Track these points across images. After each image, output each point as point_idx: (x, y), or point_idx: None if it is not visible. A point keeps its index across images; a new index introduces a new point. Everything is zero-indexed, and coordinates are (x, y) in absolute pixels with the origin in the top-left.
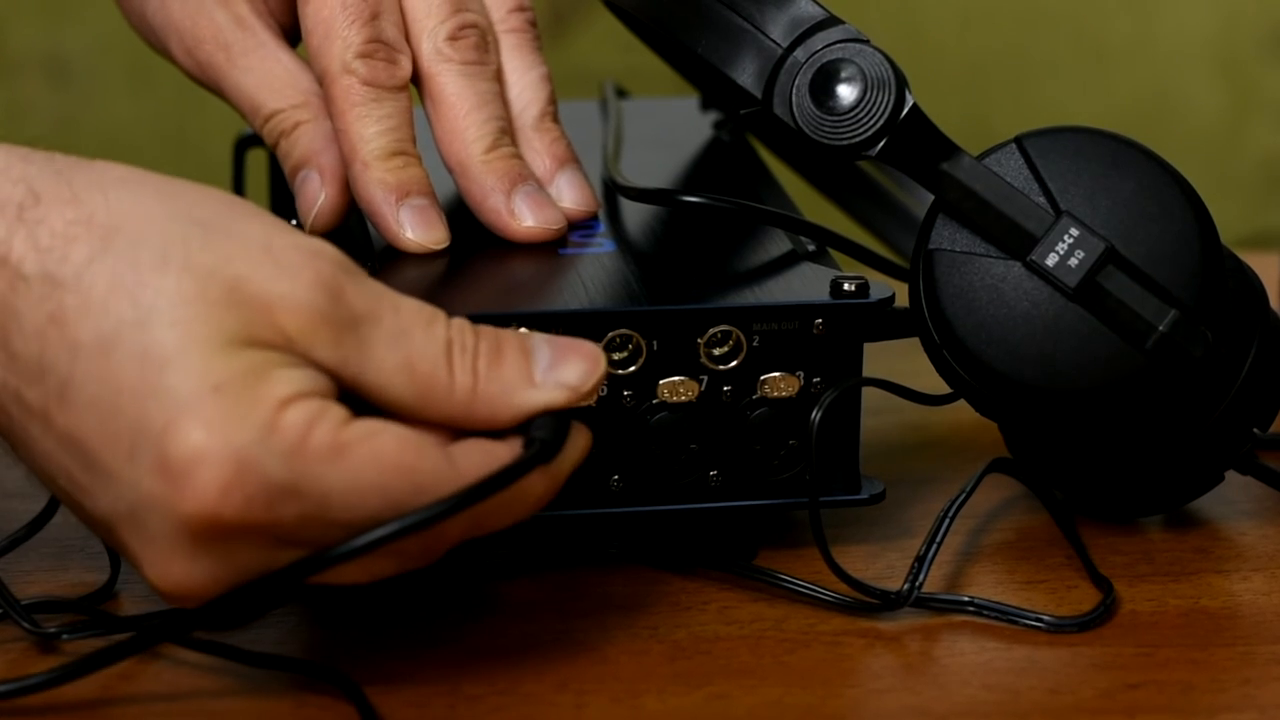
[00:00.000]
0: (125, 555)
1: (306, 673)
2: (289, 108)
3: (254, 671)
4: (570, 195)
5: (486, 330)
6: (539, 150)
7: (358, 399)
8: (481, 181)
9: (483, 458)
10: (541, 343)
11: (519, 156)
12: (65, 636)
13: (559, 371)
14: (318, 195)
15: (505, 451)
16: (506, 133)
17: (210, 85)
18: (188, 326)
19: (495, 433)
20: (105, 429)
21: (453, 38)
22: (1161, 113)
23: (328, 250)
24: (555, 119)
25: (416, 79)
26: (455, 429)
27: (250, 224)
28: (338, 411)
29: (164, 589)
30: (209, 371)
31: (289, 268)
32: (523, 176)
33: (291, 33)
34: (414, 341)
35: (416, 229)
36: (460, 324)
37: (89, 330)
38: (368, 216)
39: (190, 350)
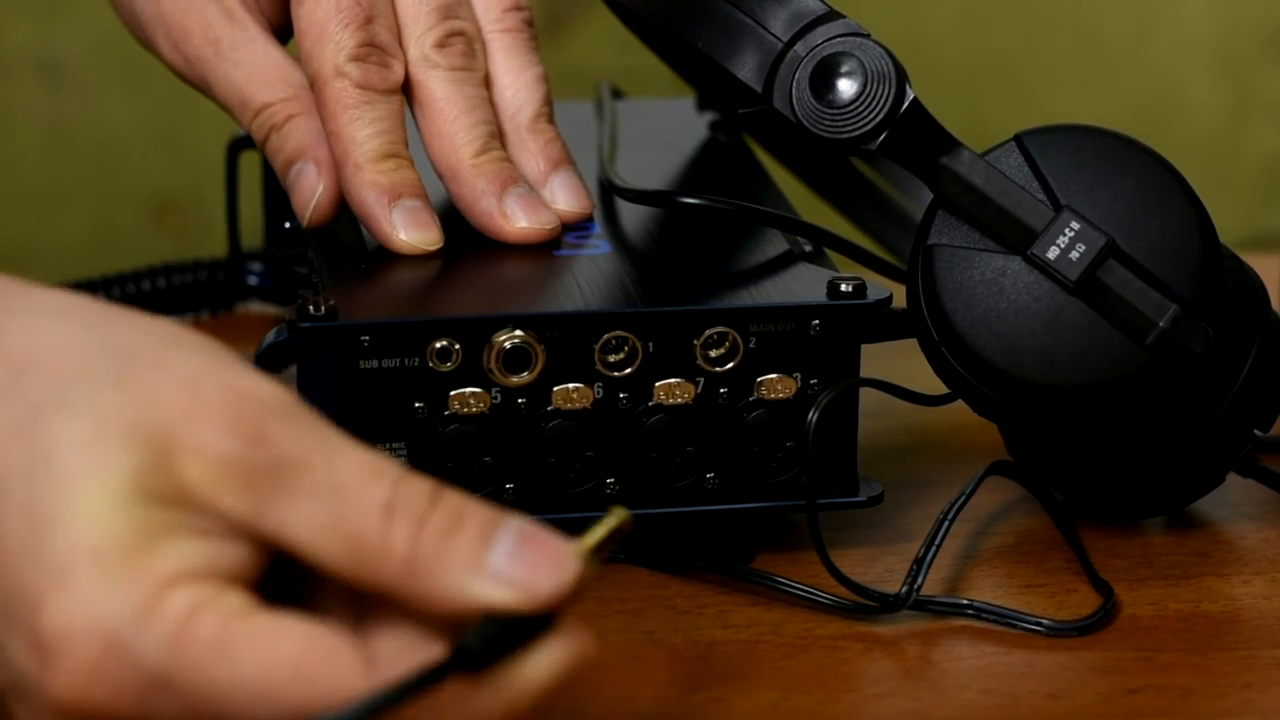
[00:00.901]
0: None
1: None
2: (279, 101)
3: None
4: (564, 197)
5: (450, 499)
6: (533, 152)
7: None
8: (472, 185)
9: (410, 664)
10: (510, 530)
11: (509, 160)
12: None
13: (515, 566)
14: (315, 187)
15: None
16: (495, 137)
17: (197, 81)
18: (76, 480)
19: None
20: None
21: (440, 44)
22: (1161, 113)
23: (262, 390)
24: (550, 120)
25: (404, 85)
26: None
27: (185, 358)
28: (232, 600)
29: None
30: (91, 534)
31: (207, 406)
32: (514, 179)
33: (282, 32)
34: (346, 497)
35: (410, 230)
36: (415, 487)
37: None
38: (360, 219)
39: (75, 508)
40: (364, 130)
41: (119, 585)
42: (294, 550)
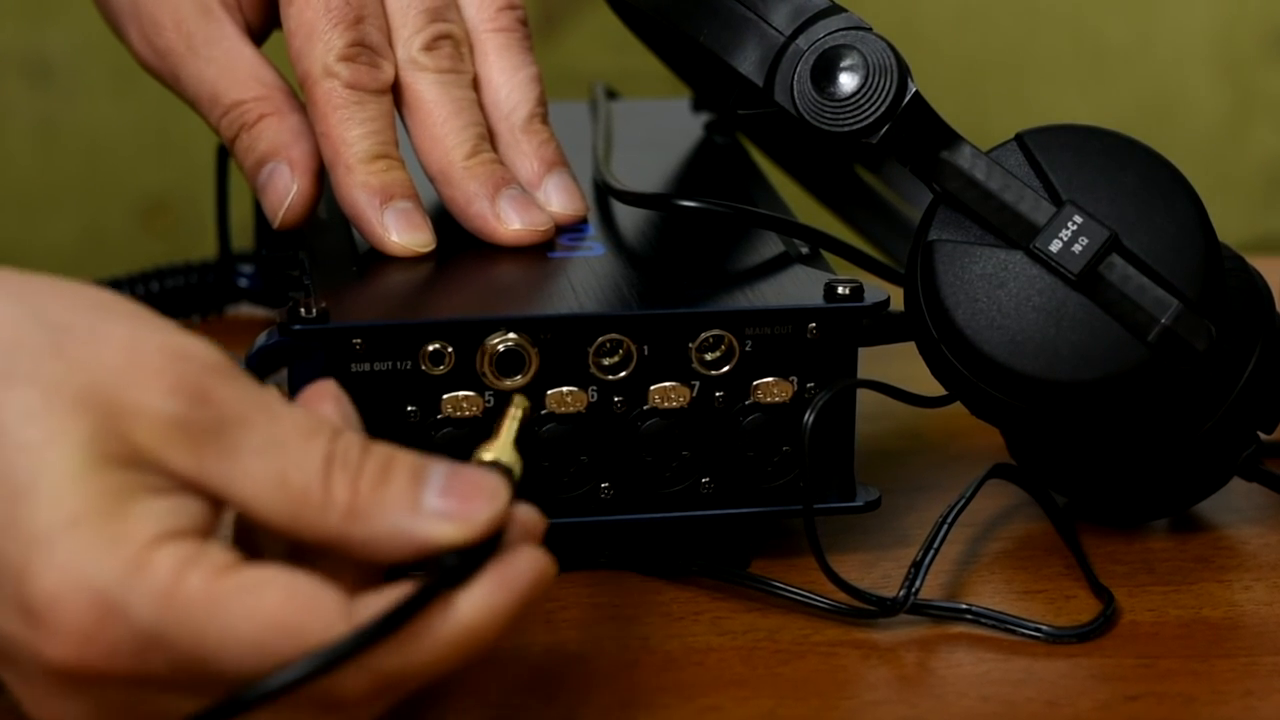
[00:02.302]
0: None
1: None
2: (252, 100)
3: None
4: (558, 199)
5: (378, 449)
6: (527, 153)
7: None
8: (464, 187)
9: (369, 608)
10: (439, 471)
11: (500, 161)
12: None
13: (449, 501)
14: (289, 188)
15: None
16: (485, 139)
17: (166, 75)
18: (37, 451)
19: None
20: None
21: (427, 47)
22: (1162, 114)
23: (199, 351)
24: (545, 120)
25: (393, 88)
26: (370, 569)
27: (117, 325)
28: (216, 556)
29: None
30: (63, 501)
31: (147, 370)
32: (506, 180)
33: (259, 32)
34: (289, 452)
35: (402, 232)
36: (348, 439)
37: None
38: (352, 221)
39: (42, 477)
40: (354, 131)
41: (103, 549)
42: (238, 505)
